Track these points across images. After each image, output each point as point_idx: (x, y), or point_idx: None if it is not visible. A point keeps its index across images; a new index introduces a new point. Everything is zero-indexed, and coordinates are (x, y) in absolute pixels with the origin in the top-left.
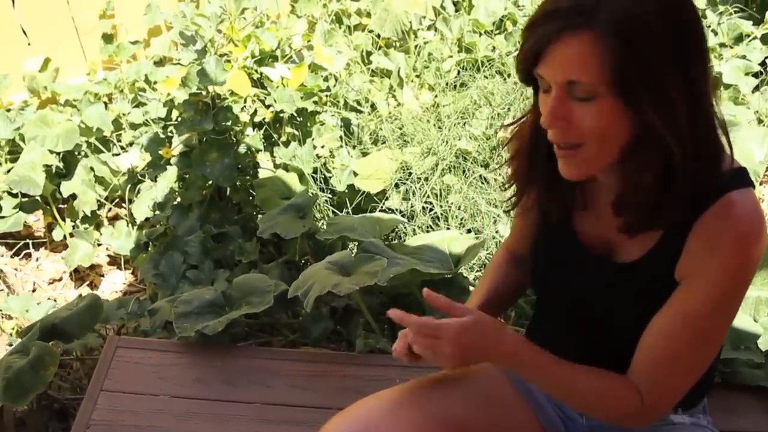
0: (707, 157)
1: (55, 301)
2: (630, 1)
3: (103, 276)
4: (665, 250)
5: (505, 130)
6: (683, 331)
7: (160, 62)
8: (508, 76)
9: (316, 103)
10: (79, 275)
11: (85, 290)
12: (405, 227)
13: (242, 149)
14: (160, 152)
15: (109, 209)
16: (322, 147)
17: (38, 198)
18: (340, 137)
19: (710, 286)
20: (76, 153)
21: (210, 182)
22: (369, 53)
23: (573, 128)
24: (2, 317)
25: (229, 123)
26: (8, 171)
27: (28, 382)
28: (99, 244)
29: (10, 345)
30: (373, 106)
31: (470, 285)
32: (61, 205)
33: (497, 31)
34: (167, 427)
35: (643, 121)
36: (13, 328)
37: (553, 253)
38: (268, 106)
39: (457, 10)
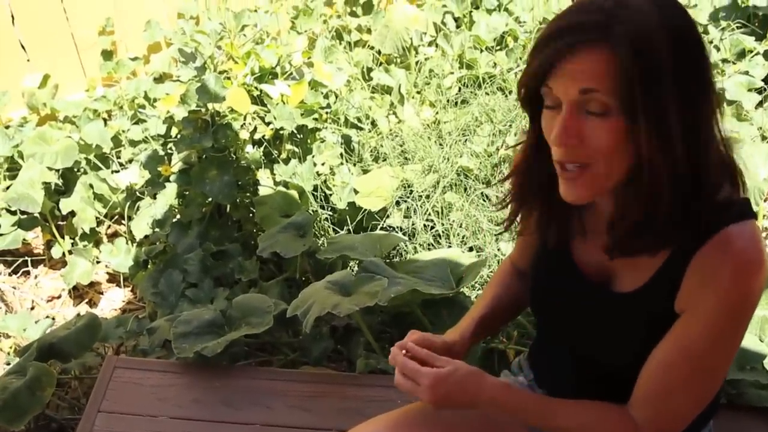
0: (704, 187)
1: (53, 319)
2: (641, 17)
3: (102, 294)
4: (664, 281)
5: (512, 150)
6: (682, 364)
7: (159, 79)
8: (510, 92)
9: (316, 120)
10: (78, 293)
11: (84, 308)
12: (406, 245)
13: (242, 166)
14: (159, 170)
15: (109, 226)
16: (323, 164)
17: (37, 215)
18: (341, 154)
19: (709, 320)
20: (76, 170)
21: (210, 199)
22: (370, 69)
23: (584, 146)
24: (0, 336)
25: (228, 140)
26: (7, 188)
27: (24, 404)
28: (98, 262)
29: (8, 364)
30: (373, 123)
31: (471, 304)
32: (60, 222)
33: (498, 48)
34: None
35: (637, 144)
36: (11, 347)
37: (551, 279)
38: (268, 124)
39: (458, 27)
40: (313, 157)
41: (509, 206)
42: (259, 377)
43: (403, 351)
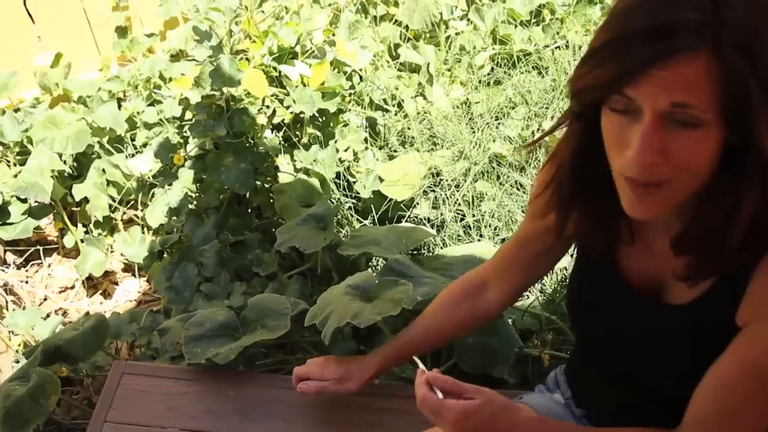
0: None
1: (65, 313)
2: (746, 14)
3: (117, 284)
4: (724, 292)
5: (530, 149)
6: (744, 381)
7: (176, 56)
8: (546, 71)
9: (338, 103)
10: (92, 283)
11: (98, 299)
12: (434, 239)
13: (260, 153)
14: (172, 157)
15: (124, 213)
16: (346, 150)
17: (49, 203)
18: (365, 138)
19: None
20: (90, 153)
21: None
22: (396, 46)
23: (668, 163)
24: (9, 332)
25: (244, 126)
26: (16, 175)
27: (27, 412)
28: (112, 251)
29: (17, 362)
30: (400, 105)
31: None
32: (74, 208)
33: (534, 22)
34: None
35: (751, 153)
36: (19, 344)
37: (593, 292)
38: (287, 107)
39: None
40: (335, 142)
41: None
42: (276, 385)
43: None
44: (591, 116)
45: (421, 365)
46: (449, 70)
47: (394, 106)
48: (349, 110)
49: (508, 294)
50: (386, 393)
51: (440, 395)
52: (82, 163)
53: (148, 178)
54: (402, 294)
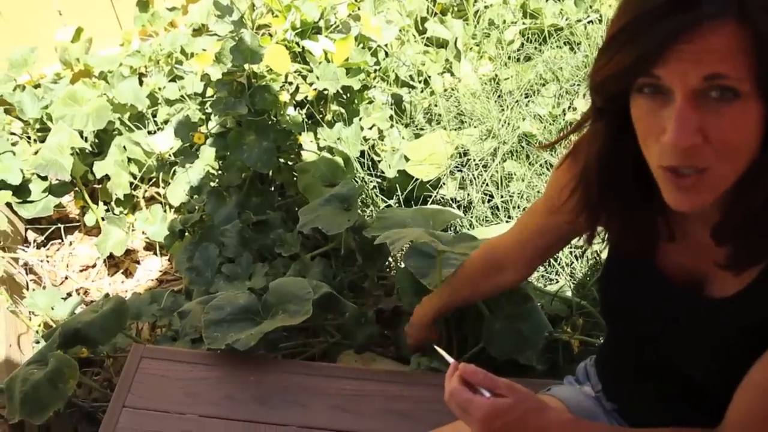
0: None
1: (86, 293)
2: None
3: (138, 263)
4: (766, 287)
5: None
6: None
7: (198, 31)
8: (578, 46)
9: (362, 80)
10: (113, 261)
11: (119, 278)
12: (461, 220)
13: (283, 130)
14: (192, 136)
15: (146, 190)
16: (371, 128)
17: (69, 181)
18: (390, 116)
19: None
20: (111, 130)
21: None
22: (423, 20)
23: (708, 145)
24: (30, 313)
25: (266, 103)
26: (37, 152)
27: (46, 397)
28: (133, 229)
29: (37, 342)
30: (426, 82)
31: (533, 288)
32: (95, 186)
33: None
34: None
35: None
36: (39, 325)
37: (629, 287)
38: (310, 84)
39: None
40: (360, 119)
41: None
42: (297, 371)
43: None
44: (616, 113)
45: (447, 357)
46: (478, 46)
47: (420, 82)
48: (374, 87)
49: (526, 273)
50: (414, 381)
51: (486, 394)
52: (102, 139)
53: (169, 156)
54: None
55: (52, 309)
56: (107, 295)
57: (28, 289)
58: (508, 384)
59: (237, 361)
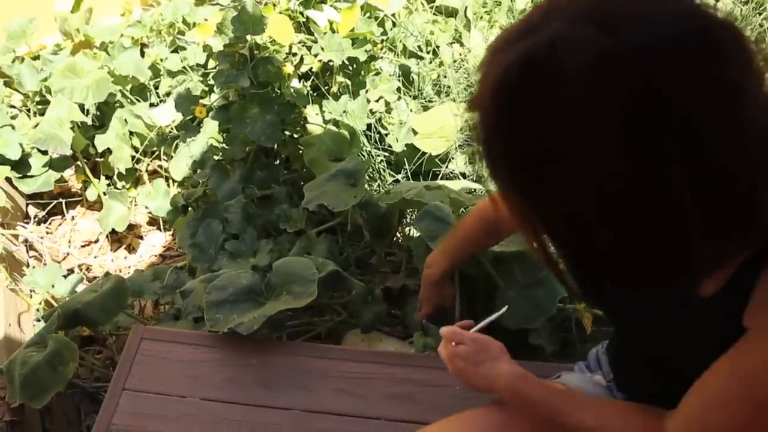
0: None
1: (88, 269)
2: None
3: (141, 238)
4: (736, 290)
5: None
6: (729, 384)
7: (200, 0)
8: None
9: (368, 51)
10: (116, 236)
11: (122, 254)
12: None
13: (287, 103)
14: (193, 109)
15: (148, 164)
16: (377, 100)
17: (69, 155)
18: (398, 88)
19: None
20: (113, 102)
21: None
22: None
23: None
24: (30, 291)
25: (270, 75)
26: (36, 125)
27: (45, 380)
28: (136, 204)
29: (38, 320)
30: (435, 52)
31: None
32: (98, 159)
33: None
34: None
35: None
36: (40, 303)
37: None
38: (315, 55)
39: None
40: (366, 91)
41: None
42: (301, 354)
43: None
44: None
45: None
46: (488, 14)
47: (429, 53)
48: (381, 58)
49: None
50: (420, 364)
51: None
52: (104, 112)
53: (171, 129)
54: None
55: (53, 287)
56: (107, 273)
57: (28, 266)
58: (474, 337)
59: (239, 343)
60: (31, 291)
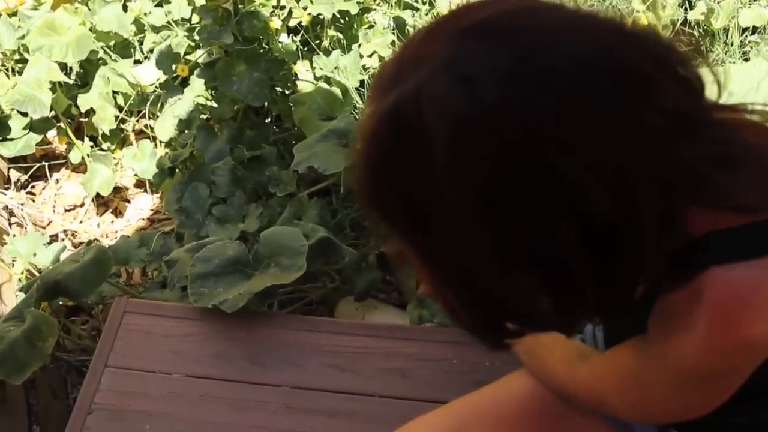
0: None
1: (73, 236)
2: None
3: (128, 201)
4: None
5: None
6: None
7: None
8: None
9: (360, 2)
10: (102, 200)
11: (108, 218)
12: None
13: (275, 59)
14: (175, 68)
15: (135, 123)
16: (371, 55)
17: (49, 116)
18: (392, 42)
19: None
20: (96, 60)
21: None
22: None
23: None
24: (12, 259)
25: (255, 31)
26: (15, 86)
27: (23, 357)
28: (122, 166)
29: (21, 291)
30: (431, 3)
31: None
32: (82, 119)
33: None
34: (180, 415)
35: None
36: (22, 272)
37: None
38: (304, 8)
39: None
40: (359, 46)
41: None
42: (291, 327)
43: None
44: None
45: None
46: None
47: (425, 3)
48: (374, 10)
49: None
50: (416, 338)
51: None
52: (87, 70)
53: (155, 89)
54: None
55: (34, 255)
56: (90, 242)
57: (8, 234)
58: None
59: (226, 315)
60: (12, 260)
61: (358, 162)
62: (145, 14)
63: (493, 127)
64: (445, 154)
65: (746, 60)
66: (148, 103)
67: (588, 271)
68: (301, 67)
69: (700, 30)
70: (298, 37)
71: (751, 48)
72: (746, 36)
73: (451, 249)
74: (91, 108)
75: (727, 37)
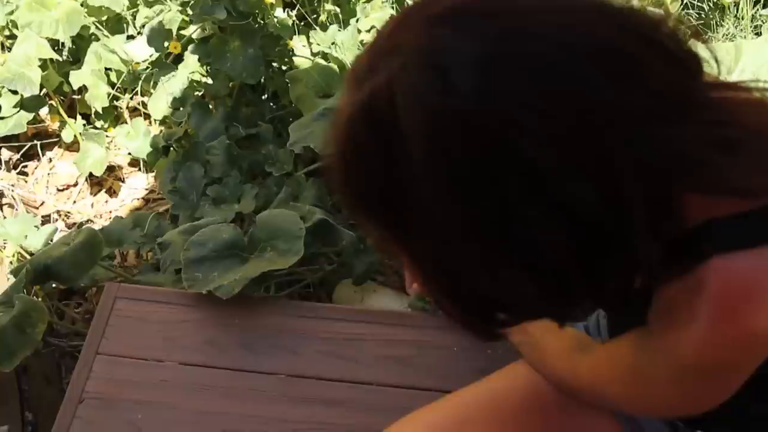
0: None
1: (67, 216)
2: None
3: (123, 181)
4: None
5: None
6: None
7: None
8: None
9: None
10: (96, 179)
11: (102, 197)
12: None
13: (270, 35)
14: (167, 45)
15: (129, 101)
16: (369, 30)
17: (39, 94)
18: (391, 16)
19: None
20: (88, 36)
21: None
22: None
23: None
24: (4, 242)
25: (250, 5)
26: (4, 63)
27: (13, 343)
28: (116, 146)
29: (12, 273)
30: None
31: None
32: (75, 96)
33: None
34: (173, 404)
35: None
36: (13, 255)
37: None
38: None
39: None
40: (357, 21)
41: None
42: (287, 313)
43: None
44: None
45: None
46: None
47: None
48: None
49: None
50: (415, 324)
51: None
52: (80, 46)
53: (147, 66)
54: None
55: (26, 238)
56: (81, 224)
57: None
58: None
59: (220, 301)
60: (4, 242)
61: (334, 156)
62: None
63: (466, 117)
64: (419, 146)
65: (758, 35)
66: (141, 81)
67: (573, 261)
68: (297, 43)
69: (710, 4)
70: (294, 12)
71: (763, 22)
72: (758, 10)
73: (432, 241)
74: (84, 85)
75: (737, 11)
